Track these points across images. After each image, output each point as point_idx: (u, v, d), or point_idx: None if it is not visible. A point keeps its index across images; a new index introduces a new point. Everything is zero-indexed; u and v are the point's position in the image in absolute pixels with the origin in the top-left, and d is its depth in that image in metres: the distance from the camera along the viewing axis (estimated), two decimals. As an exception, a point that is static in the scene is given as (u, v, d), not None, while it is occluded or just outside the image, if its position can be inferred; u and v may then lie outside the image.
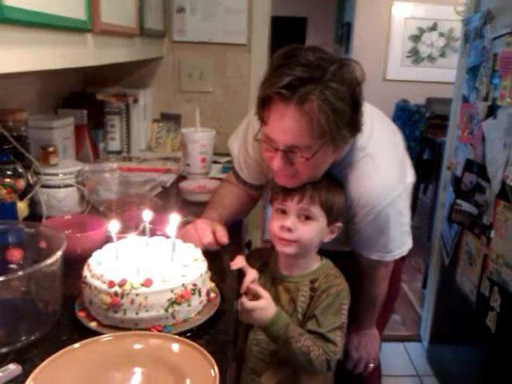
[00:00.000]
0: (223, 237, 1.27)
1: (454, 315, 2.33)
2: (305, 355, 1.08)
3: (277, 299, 1.16)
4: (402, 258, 1.36)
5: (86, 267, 0.99)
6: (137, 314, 0.91)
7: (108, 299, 0.91)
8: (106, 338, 0.87)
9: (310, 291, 1.16)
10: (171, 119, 2.32)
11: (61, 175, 1.44)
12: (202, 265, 1.02)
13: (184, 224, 1.30)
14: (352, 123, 1.04)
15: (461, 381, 2.22)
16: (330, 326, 1.11)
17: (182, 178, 1.88)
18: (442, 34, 5.46)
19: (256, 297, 1.07)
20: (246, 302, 1.05)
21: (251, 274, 1.11)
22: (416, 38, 5.47)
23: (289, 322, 1.09)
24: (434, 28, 5.43)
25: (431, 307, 2.65)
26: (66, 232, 1.22)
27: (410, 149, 1.33)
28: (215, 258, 1.22)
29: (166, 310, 0.92)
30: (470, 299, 2.05)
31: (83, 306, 0.98)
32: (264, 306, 1.06)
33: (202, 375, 0.78)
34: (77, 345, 0.84)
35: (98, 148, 2.02)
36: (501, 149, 1.82)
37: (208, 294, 1.02)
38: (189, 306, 0.95)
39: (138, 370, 0.82)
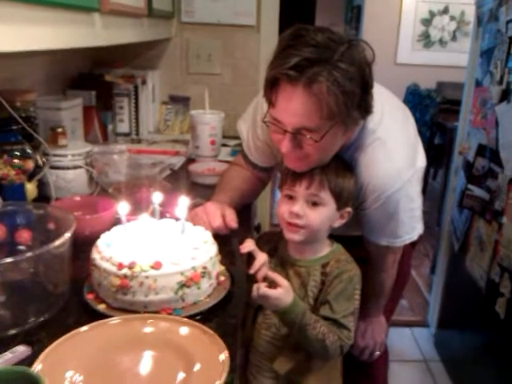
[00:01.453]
0: (232, 221, 1.26)
1: (463, 301, 2.32)
2: (320, 342, 1.07)
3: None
4: (412, 244, 1.35)
5: (94, 249, 0.98)
6: (146, 296, 0.90)
7: (117, 281, 0.90)
8: (115, 320, 0.87)
9: (321, 276, 1.15)
10: (180, 101, 2.31)
11: (69, 156, 1.43)
12: (212, 248, 1.01)
13: (193, 207, 1.29)
14: (362, 105, 1.01)
15: (468, 366, 2.22)
16: (344, 312, 1.10)
17: (191, 160, 1.87)
18: (453, 18, 5.37)
19: (273, 283, 1.05)
20: (267, 291, 1.02)
21: (261, 258, 1.10)
22: (427, 22, 5.39)
23: (305, 309, 1.08)
24: (445, 11, 5.34)
25: (439, 293, 2.64)
26: (75, 213, 1.22)
27: (420, 133, 1.31)
28: (225, 241, 1.20)
29: (176, 293, 0.91)
30: (479, 285, 2.03)
31: (92, 288, 0.98)
32: (281, 294, 1.04)
33: (212, 359, 0.78)
34: (85, 327, 0.83)
35: (106, 130, 2.00)
36: (514, 133, 1.79)
37: (218, 277, 1.02)
38: (198, 288, 0.94)
39: (146, 354, 0.82)
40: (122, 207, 1.00)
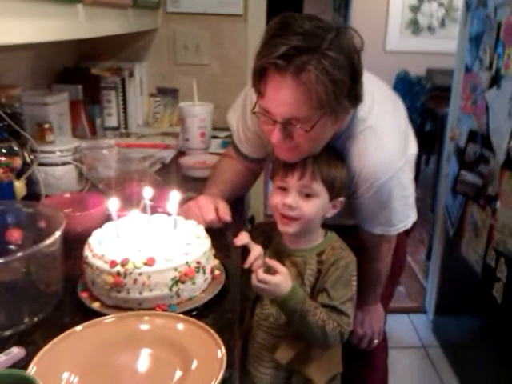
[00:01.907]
0: (226, 214, 1.25)
1: (459, 286, 2.33)
2: (320, 328, 1.07)
3: None
4: (406, 232, 1.34)
5: (86, 247, 0.96)
6: (140, 293, 0.89)
7: (110, 279, 0.89)
8: (109, 319, 0.85)
9: (318, 264, 1.14)
10: (168, 93, 2.28)
11: (58, 152, 1.41)
12: (205, 242, 0.99)
13: (185, 201, 1.28)
14: (352, 93, 1.00)
15: (466, 351, 2.23)
16: (342, 299, 1.10)
17: (181, 153, 1.84)
18: (441, 4, 5.35)
19: (271, 271, 1.04)
20: (266, 276, 1.02)
21: (256, 250, 1.08)
22: (415, 9, 5.36)
23: (305, 296, 1.08)
24: (433, -3, 5.32)
25: (436, 279, 2.64)
26: (66, 211, 1.20)
27: (411, 120, 1.31)
28: (218, 234, 1.19)
29: (170, 289, 0.90)
30: (475, 270, 2.04)
31: (85, 286, 0.96)
32: (280, 281, 1.03)
33: (209, 355, 0.77)
34: (79, 327, 0.82)
35: (95, 124, 1.97)
36: (505, 119, 1.79)
37: (212, 271, 1.00)
38: (193, 284, 0.93)
39: (143, 351, 0.81)
40: (113, 203, 0.97)
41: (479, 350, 2.08)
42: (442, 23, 5.39)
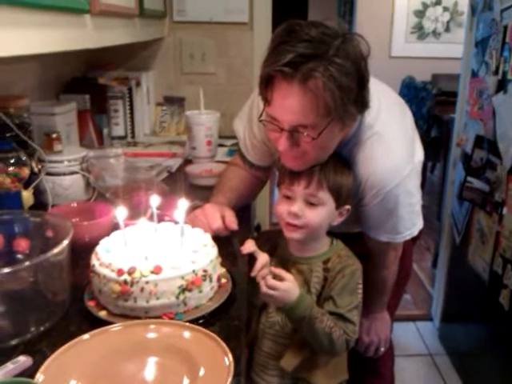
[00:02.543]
0: (233, 223, 1.25)
1: (466, 294, 2.31)
2: (327, 335, 1.07)
3: None
4: (413, 240, 1.34)
5: (93, 256, 0.97)
6: (147, 302, 0.89)
7: (117, 288, 0.89)
8: (116, 327, 0.86)
9: (324, 272, 1.14)
10: (174, 102, 2.29)
11: (65, 162, 1.41)
12: (212, 250, 1.00)
13: (192, 209, 1.28)
14: (359, 99, 1.00)
15: (473, 359, 2.21)
16: (348, 307, 1.10)
17: (188, 162, 1.85)
18: (446, 9, 5.36)
19: (277, 279, 1.04)
20: (276, 282, 1.02)
21: (263, 258, 1.08)
22: (420, 13, 5.37)
23: (312, 302, 1.08)
24: (438, 2, 5.32)
25: (442, 286, 2.63)
26: (73, 220, 1.21)
27: (417, 126, 1.30)
28: (225, 242, 1.20)
29: (177, 297, 0.90)
30: (482, 277, 2.02)
31: (92, 295, 0.97)
32: (289, 287, 1.03)
33: (216, 363, 0.77)
34: (86, 335, 0.82)
35: (102, 134, 1.98)
36: (512, 124, 1.78)
37: (219, 279, 1.01)
38: (200, 292, 0.93)
39: (150, 360, 0.81)
40: (120, 212, 0.98)
41: (486, 357, 2.07)
42: (447, 28, 5.39)
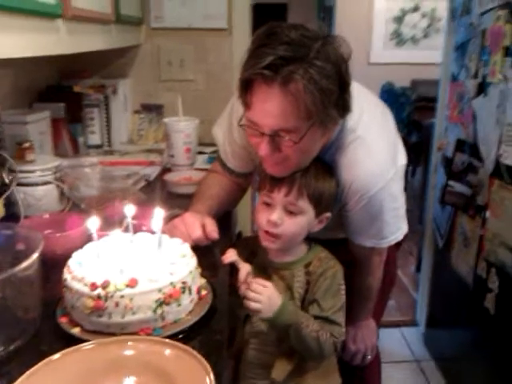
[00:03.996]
0: (213, 232, 1.21)
1: (451, 298, 2.30)
2: (315, 340, 1.06)
3: None
4: (397, 245, 1.32)
5: (65, 269, 0.92)
6: (123, 317, 0.84)
7: (91, 303, 0.84)
8: (89, 345, 0.80)
9: (306, 275, 1.13)
10: (152, 110, 2.25)
11: (38, 172, 1.36)
12: (191, 261, 0.96)
13: (171, 218, 1.24)
14: (340, 103, 0.98)
15: (460, 364, 2.20)
16: (333, 309, 1.10)
17: (166, 170, 1.81)
18: (424, 15, 5.41)
19: None
20: (258, 287, 1.02)
21: (245, 268, 1.06)
22: (399, 20, 5.41)
23: (296, 308, 1.08)
24: (416, 9, 5.37)
25: (426, 291, 2.62)
26: (46, 232, 1.16)
27: (397, 131, 1.29)
28: (205, 252, 1.16)
29: (155, 312, 0.85)
30: (466, 281, 2.01)
31: (65, 311, 0.92)
32: (271, 292, 1.03)
33: (197, 382, 0.72)
34: (57, 355, 0.77)
35: (77, 142, 1.94)
36: (493, 127, 1.78)
37: (199, 291, 0.96)
38: (179, 305, 0.89)
39: (126, 380, 0.76)
40: (92, 223, 0.93)
41: (472, 362, 2.05)
42: (426, 34, 5.44)
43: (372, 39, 5.42)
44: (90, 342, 0.81)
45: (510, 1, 1.68)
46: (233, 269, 1.09)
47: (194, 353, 0.77)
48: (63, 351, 0.78)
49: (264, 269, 1.17)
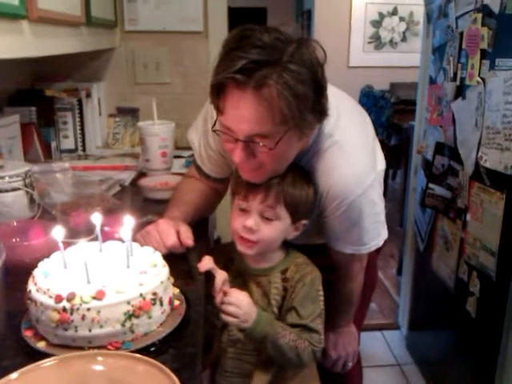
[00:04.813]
0: (188, 238, 1.17)
1: (432, 301, 2.29)
2: (293, 349, 1.05)
3: (249, 295, 1.09)
4: (377, 250, 1.29)
5: (30, 280, 0.87)
6: (90, 330, 0.80)
7: (56, 316, 0.80)
8: (50, 362, 0.75)
9: (283, 282, 1.11)
10: (128, 113, 2.20)
11: (7, 178, 1.31)
12: (163, 270, 0.91)
13: (144, 225, 1.20)
14: (316, 108, 0.95)
15: (442, 367, 2.19)
16: (311, 316, 1.09)
17: (142, 175, 1.76)
18: (402, 19, 5.46)
19: None
20: (238, 295, 1.02)
21: (221, 276, 1.03)
22: (377, 23, 5.45)
23: (271, 318, 1.06)
24: (394, 13, 5.42)
25: (408, 294, 2.61)
26: (14, 240, 1.12)
27: (377, 134, 1.28)
28: (179, 259, 1.12)
29: (123, 325, 0.81)
30: (447, 285, 2.00)
31: (30, 324, 0.87)
32: (248, 302, 1.03)
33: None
34: (15, 374, 0.72)
35: (50, 147, 1.88)
36: (472, 129, 1.77)
37: (171, 302, 0.92)
38: (149, 318, 0.84)
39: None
40: (57, 232, 0.89)
41: (454, 365, 2.04)
42: (404, 37, 5.49)
43: (351, 43, 5.45)
44: (52, 359, 0.76)
45: (485, 4, 1.68)
46: (209, 276, 1.05)
47: (165, 369, 0.73)
48: (22, 369, 0.73)
49: (241, 275, 1.15)
